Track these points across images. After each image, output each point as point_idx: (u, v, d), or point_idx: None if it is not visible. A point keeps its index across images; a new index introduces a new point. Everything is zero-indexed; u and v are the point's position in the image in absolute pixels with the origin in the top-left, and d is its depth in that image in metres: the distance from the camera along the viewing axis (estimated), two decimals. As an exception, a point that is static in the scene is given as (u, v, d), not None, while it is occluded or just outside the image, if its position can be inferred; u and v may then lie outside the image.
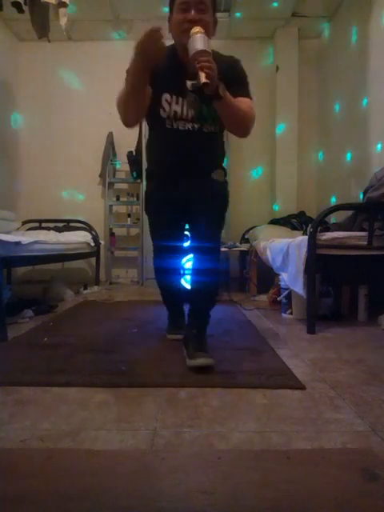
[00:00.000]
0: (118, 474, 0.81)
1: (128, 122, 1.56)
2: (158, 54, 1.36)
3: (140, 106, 1.51)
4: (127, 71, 1.44)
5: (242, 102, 1.52)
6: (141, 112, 1.55)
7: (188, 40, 1.39)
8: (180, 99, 1.57)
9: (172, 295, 1.98)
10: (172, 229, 1.76)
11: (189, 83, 1.55)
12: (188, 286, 1.92)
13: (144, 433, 1.01)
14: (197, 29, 1.38)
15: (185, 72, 1.54)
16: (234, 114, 1.50)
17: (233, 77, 1.54)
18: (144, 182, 1.89)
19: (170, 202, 1.70)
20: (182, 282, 2.00)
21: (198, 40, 1.35)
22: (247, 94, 1.59)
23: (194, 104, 1.58)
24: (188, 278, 1.86)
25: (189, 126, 1.60)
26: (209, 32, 1.46)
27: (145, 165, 1.90)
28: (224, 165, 1.77)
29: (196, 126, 1.60)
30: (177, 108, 1.58)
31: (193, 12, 1.47)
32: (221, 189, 1.72)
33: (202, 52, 1.33)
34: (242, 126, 1.57)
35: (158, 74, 1.48)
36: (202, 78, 1.31)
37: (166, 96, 1.56)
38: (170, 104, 1.58)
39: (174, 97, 1.57)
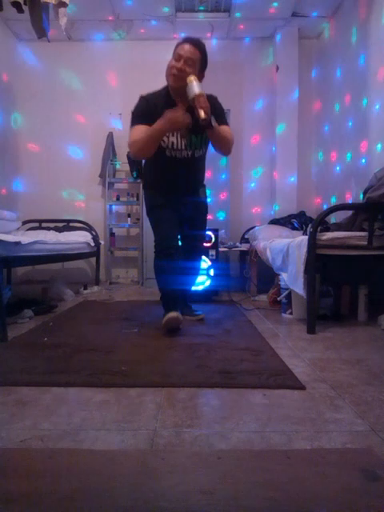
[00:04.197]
0: (117, 474, 0.81)
1: (142, 157, 2.10)
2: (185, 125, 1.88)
3: (155, 148, 1.96)
4: (154, 129, 1.86)
5: (224, 129, 1.98)
6: (154, 152, 1.98)
7: (171, 82, 1.91)
8: (175, 132, 2.00)
9: (170, 291, 2.13)
10: (171, 227, 2.13)
11: None
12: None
13: (144, 433, 1.01)
14: (192, 77, 1.80)
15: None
16: (221, 139, 1.97)
17: (214, 111, 1.92)
18: (144, 191, 2.29)
19: (168, 204, 2.14)
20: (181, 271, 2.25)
21: (195, 86, 1.77)
22: (226, 123, 2.07)
23: (185, 135, 2.01)
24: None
25: (184, 153, 2.07)
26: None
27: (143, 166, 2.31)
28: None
29: (189, 153, 2.08)
30: (173, 139, 2.02)
31: (181, 62, 1.88)
32: (205, 206, 2.34)
33: (200, 95, 1.75)
34: (226, 147, 2.04)
35: (157, 113, 1.89)
36: (202, 114, 1.72)
37: None
38: (167, 136, 2.00)
39: None
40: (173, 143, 2.02)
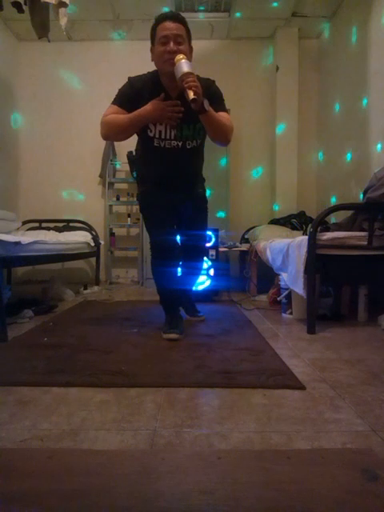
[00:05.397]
0: (118, 474, 0.81)
1: (110, 139, 1.95)
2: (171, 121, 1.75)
3: (128, 136, 1.87)
4: (138, 115, 1.74)
5: (221, 116, 1.81)
6: (125, 138, 1.88)
7: (169, 68, 1.69)
8: (162, 121, 1.80)
9: (169, 293, 2.07)
10: (166, 225, 2.00)
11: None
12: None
13: (144, 433, 1.01)
14: (181, 56, 1.64)
15: (167, 96, 1.77)
16: (216, 126, 1.78)
17: (211, 96, 1.78)
18: (138, 186, 2.14)
19: (162, 201, 1.98)
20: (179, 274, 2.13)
21: (184, 64, 1.61)
22: (224, 109, 1.89)
23: (174, 124, 1.82)
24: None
25: (173, 144, 1.89)
26: (188, 58, 1.71)
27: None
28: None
29: (179, 143, 1.90)
30: (161, 128, 1.86)
31: (171, 44, 1.73)
32: (203, 201, 2.18)
33: (188, 74, 1.58)
34: (224, 135, 1.85)
35: (144, 99, 1.76)
36: (190, 95, 1.55)
37: None
38: (155, 125, 1.85)
39: None
40: (160, 132, 1.86)
